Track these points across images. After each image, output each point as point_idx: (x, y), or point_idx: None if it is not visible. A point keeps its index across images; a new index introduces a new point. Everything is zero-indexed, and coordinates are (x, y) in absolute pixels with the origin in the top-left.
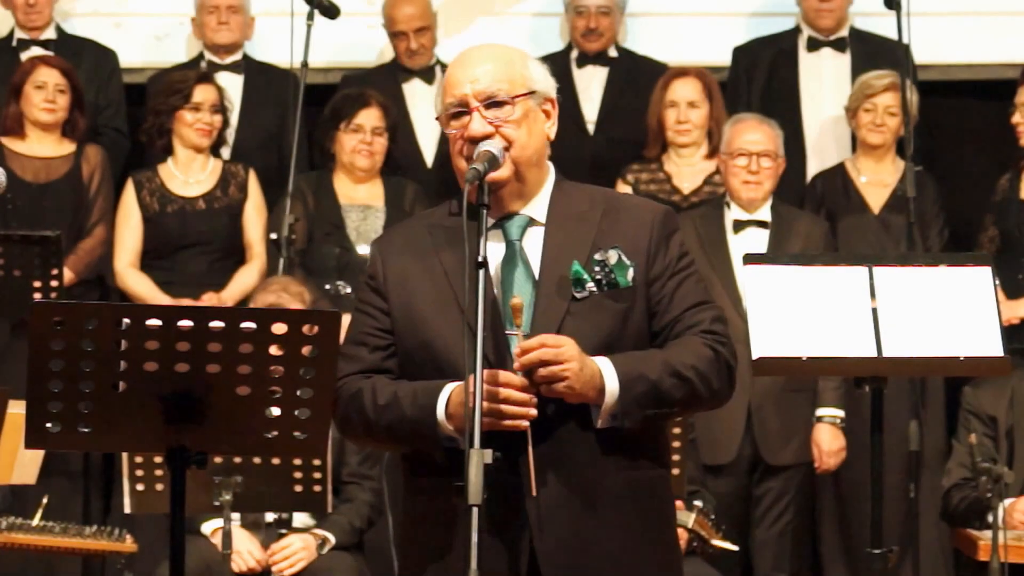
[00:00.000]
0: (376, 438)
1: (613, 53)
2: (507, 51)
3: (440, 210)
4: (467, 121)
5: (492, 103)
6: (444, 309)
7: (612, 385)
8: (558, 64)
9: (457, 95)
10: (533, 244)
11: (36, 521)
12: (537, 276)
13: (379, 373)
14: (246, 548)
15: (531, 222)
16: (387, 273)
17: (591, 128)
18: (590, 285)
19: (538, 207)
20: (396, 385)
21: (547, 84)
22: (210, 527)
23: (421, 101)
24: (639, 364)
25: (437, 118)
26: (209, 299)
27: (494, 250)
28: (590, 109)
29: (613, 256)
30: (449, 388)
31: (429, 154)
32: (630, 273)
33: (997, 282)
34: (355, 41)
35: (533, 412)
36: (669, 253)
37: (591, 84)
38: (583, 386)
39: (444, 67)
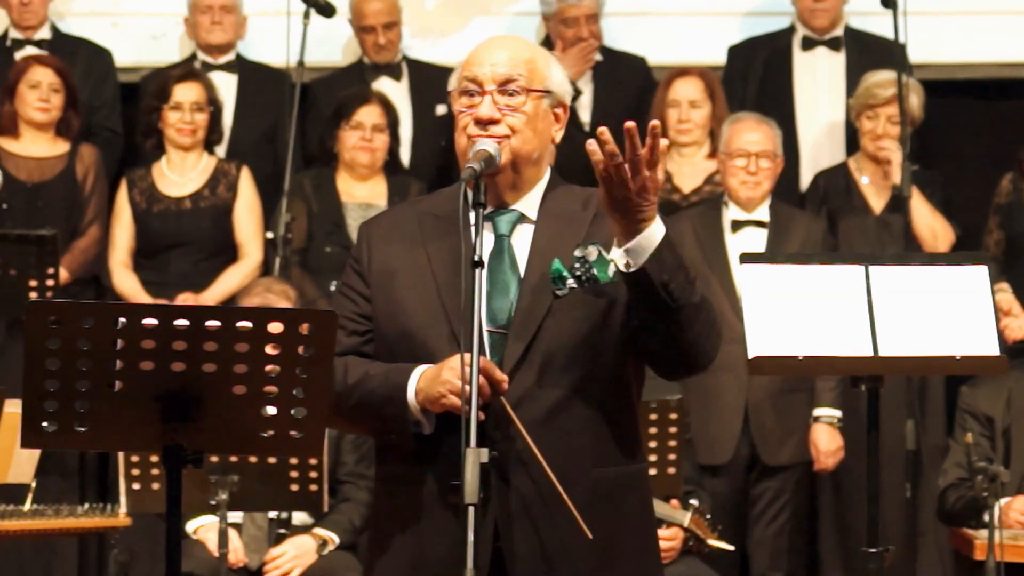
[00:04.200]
0: (344, 416)
1: (597, 56)
2: (533, 47)
3: (432, 198)
4: (478, 101)
5: (506, 91)
6: (425, 300)
7: (659, 229)
8: None
9: (474, 73)
10: (521, 241)
11: (27, 506)
12: (522, 273)
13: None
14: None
15: (522, 218)
16: (371, 259)
17: (587, 129)
18: (570, 282)
19: (530, 204)
20: (368, 365)
21: (564, 89)
22: (192, 526)
23: (391, 98)
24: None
25: (449, 92)
26: (185, 299)
27: (483, 243)
28: (584, 114)
29: (593, 252)
30: (422, 368)
31: (405, 153)
32: (611, 268)
33: (1010, 289)
34: (333, 39)
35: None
36: None
37: (581, 88)
38: (654, 199)
39: (411, 64)
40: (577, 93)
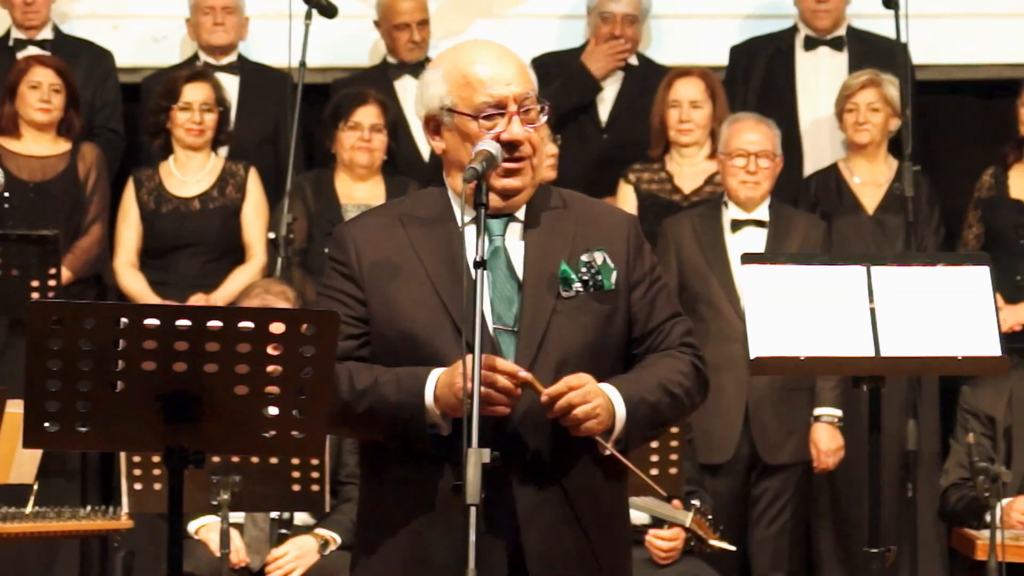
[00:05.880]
0: (351, 423)
1: (633, 61)
2: (517, 55)
3: (411, 200)
4: (501, 122)
5: (523, 107)
6: (423, 301)
7: (620, 412)
8: (576, 61)
9: (496, 95)
10: (514, 240)
11: (29, 508)
12: (520, 273)
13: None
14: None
15: (511, 218)
16: (362, 263)
17: (603, 126)
18: (577, 285)
19: (518, 204)
20: (374, 370)
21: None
22: (194, 526)
23: (414, 97)
24: (639, 387)
25: (446, 108)
26: (197, 300)
27: (474, 246)
28: (603, 110)
29: (599, 258)
30: (437, 372)
31: (426, 149)
32: (614, 276)
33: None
34: (350, 41)
35: (506, 410)
36: (645, 262)
37: (607, 86)
38: (608, 418)
39: None
40: (599, 89)
